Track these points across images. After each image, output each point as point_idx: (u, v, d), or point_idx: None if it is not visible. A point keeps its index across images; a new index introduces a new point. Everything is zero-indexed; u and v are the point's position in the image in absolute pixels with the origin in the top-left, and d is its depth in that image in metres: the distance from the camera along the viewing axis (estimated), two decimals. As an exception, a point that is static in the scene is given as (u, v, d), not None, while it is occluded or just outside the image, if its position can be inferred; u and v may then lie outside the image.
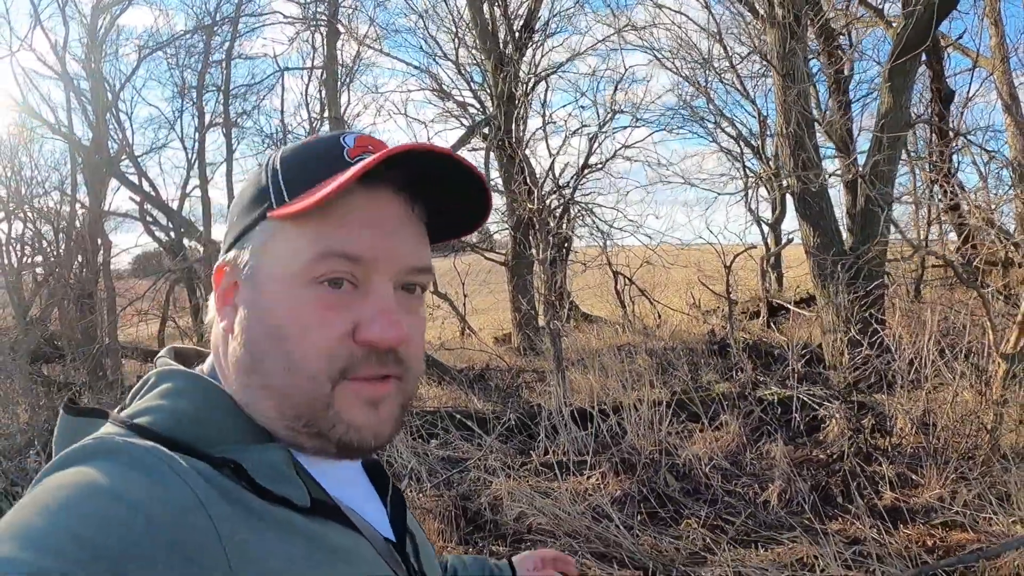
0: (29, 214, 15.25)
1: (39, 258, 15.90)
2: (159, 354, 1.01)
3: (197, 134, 17.14)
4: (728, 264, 11.11)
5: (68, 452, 0.79)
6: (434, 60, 16.36)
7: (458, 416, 7.64)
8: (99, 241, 13.22)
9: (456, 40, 15.78)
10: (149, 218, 16.35)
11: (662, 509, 5.47)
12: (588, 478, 5.98)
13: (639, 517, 5.33)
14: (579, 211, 14.45)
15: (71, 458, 0.78)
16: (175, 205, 17.50)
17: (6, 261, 15.51)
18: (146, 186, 15.50)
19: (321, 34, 10.66)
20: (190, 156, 18.20)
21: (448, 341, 14.79)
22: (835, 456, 6.15)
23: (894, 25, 8.81)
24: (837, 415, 6.79)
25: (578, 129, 14.53)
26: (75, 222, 14.40)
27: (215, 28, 15.39)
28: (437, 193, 0.96)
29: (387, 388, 0.92)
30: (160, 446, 0.81)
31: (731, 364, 9.34)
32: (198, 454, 0.83)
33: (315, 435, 0.89)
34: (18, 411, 8.13)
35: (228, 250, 0.96)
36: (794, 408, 7.07)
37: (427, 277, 0.97)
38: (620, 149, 13.79)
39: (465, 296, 17.50)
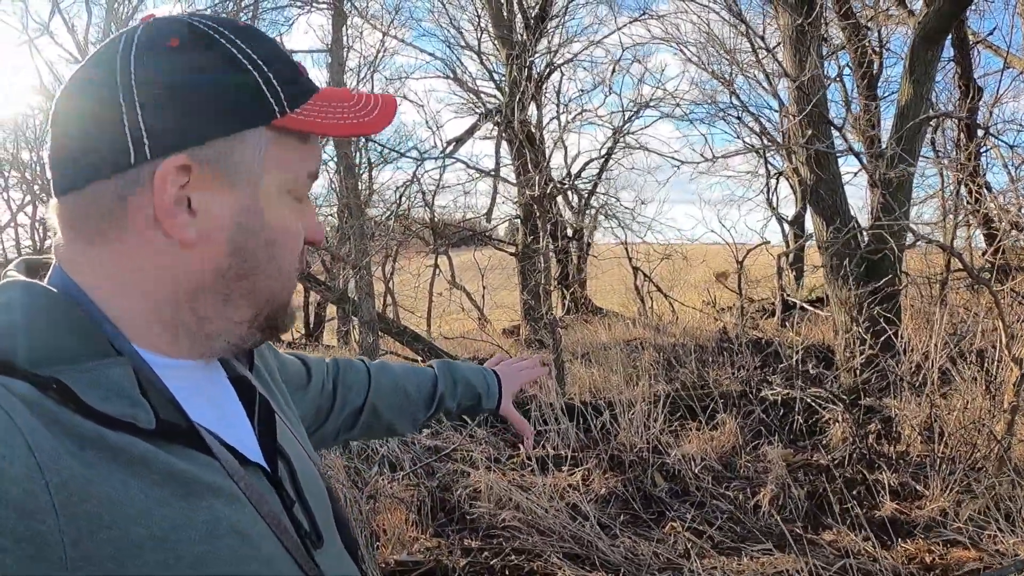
0: (54, 198, 15.07)
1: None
2: (7, 268, 0.92)
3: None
4: (740, 260, 10.80)
5: None
6: (452, 50, 16.19)
7: (451, 405, 7.39)
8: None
9: (479, 31, 15.66)
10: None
11: (646, 511, 5.20)
12: (573, 474, 5.70)
13: (621, 518, 5.06)
14: (600, 206, 14.22)
15: None
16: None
17: (29, 244, 15.53)
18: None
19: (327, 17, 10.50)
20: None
21: (460, 332, 14.60)
22: (836, 462, 5.84)
23: (915, 13, 8.45)
24: (840, 419, 6.47)
25: (579, 113, 14.14)
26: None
27: (239, 13, 15.25)
28: None
29: None
30: None
31: (736, 362, 9.04)
32: (20, 373, 0.74)
33: (268, 329, 0.95)
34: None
35: (185, 147, 0.83)
36: (796, 409, 6.75)
37: None
38: (632, 136, 13.39)
39: (484, 288, 17.35)
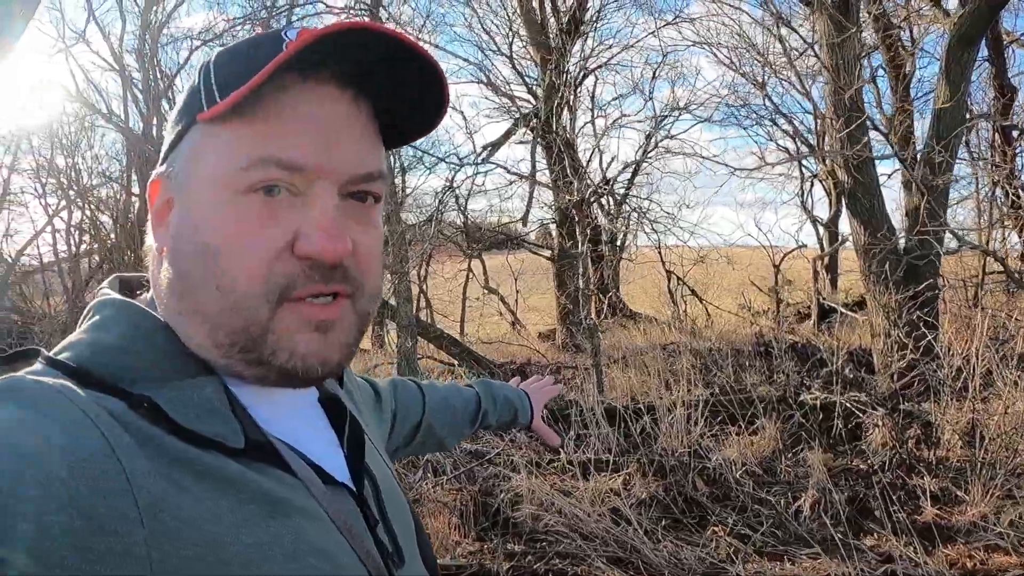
0: (88, 203, 15.38)
1: (96, 246, 16.04)
2: (102, 284, 0.92)
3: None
4: (777, 264, 10.80)
5: None
6: (485, 54, 16.23)
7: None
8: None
9: (510, 35, 15.70)
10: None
11: (687, 515, 5.25)
12: (614, 479, 5.75)
13: (663, 522, 5.11)
14: (632, 210, 14.22)
15: None
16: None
17: (65, 248, 15.69)
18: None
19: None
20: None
21: (496, 336, 14.68)
22: (876, 467, 5.86)
23: (951, 14, 8.40)
24: (880, 423, 6.48)
25: (618, 119, 14.15)
26: (129, 212, 14.49)
27: (271, 20, 15.39)
28: (389, 88, 0.85)
29: (336, 312, 0.82)
30: (70, 384, 0.72)
31: (775, 366, 9.05)
32: (114, 391, 0.74)
33: (254, 363, 0.80)
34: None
35: (162, 162, 0.86)
36: (836, 414, 6.77)
37: (380, 184, 0.86)
38: (665, 140, 13.37)
39: (518, 292, 17.38)
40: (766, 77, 14.34)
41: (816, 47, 8.79)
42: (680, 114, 12.72)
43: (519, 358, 11.58)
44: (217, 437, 0.76)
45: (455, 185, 10.39)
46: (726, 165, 8.55)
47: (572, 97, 12.49)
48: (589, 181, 9.78)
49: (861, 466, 5.96)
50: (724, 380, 8.49)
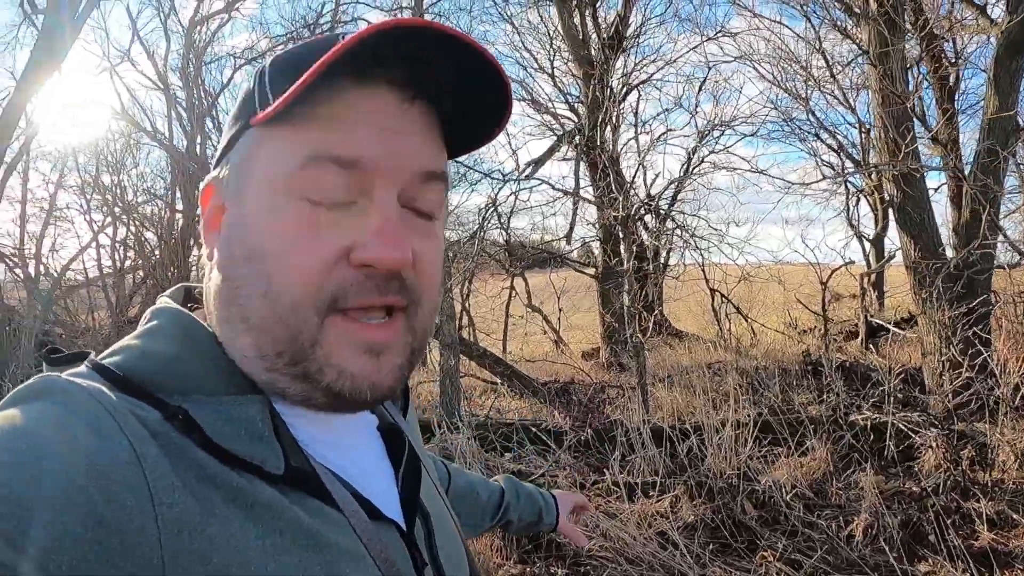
0: (133, 220, 15.59)
1: (140, 262, 16.24)
2: (164, 292, 0.90)
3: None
4: (824, 281, 10.64)
5: (9, 394, 0.69)
6: (528, 72, 16.23)
7: (534, 430, 7.41)
8: (192, 246, 13.41)
9: (551, 52, 15.71)
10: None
11: (736, 539, 5.13)
12: (660, 501, 5.66)
13: (711, 547, 5.00)
14: (676, 227, 14.09)
15: (8, 400, 0.68)
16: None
17: (109, 264, 15.88)
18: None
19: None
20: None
21: (538, 354, 14.61)
22: (929, 490, 5.71)
23: (998, 22, 8.24)
24: (934, 444, 6.33)
25: (663, 134, 14.05)
26: (173, 228, 14.65)
27: (312, 27, 15.59)
28: (449, 88, 0.80)
29: (391, 333, 0.79)
30: (105, 388, 0.70)
31: (823, 386, 8.90)
32: (153, 399, 0.72)
33: (299, 377, 0.76)
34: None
35: (215, 167, 0.85)
36: (888, 435, 6.62)
37: (440, 189, 0.83)
38: (712, 154, 13.24)
39: (560, 310, 17.32)
40: (809, 92, 14.26)
41: (863, 58, 8.67)
42: (724, 129, 12.61)
43: (563, 377, 11.48)
44: (255, 460, 0.73)
45: (498, 203, 10.35)
46: (782, 180, 8.38)
47: (615, 113, 12.43)
48: (634, 198, 9.69)
49: (914, 489, 5.81)
50: (772, 399, 8.36)
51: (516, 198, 10.89)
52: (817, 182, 13.11)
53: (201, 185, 0.86)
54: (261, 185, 0.77)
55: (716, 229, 12.70)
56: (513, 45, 16.84)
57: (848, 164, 14.58)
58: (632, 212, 8.30)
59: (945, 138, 10.75)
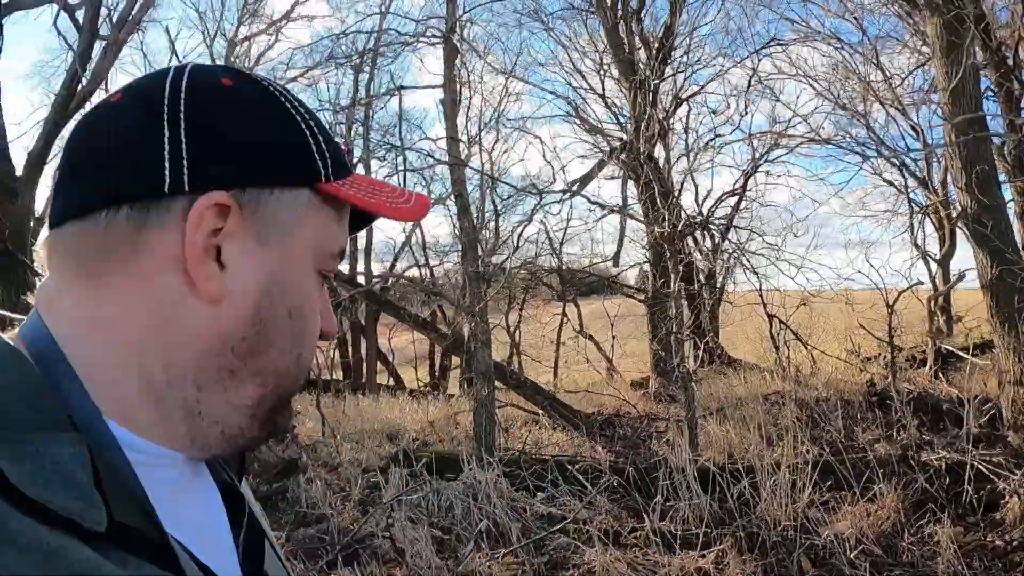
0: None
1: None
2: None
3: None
4: (891, 304, 9.88)
5: None
6: (577, 92, 15.76)
7: (570, 468, 6.80)
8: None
9: (601, 72, 15.28)
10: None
11: (792, 604, 4.47)
12: (705, 555, 5.00)
13: (763, 612, 4.34)
14: (733, 246, 13.46)
15: None
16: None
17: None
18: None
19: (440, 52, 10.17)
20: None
21: (590, 384, 14.01)
22: (1016, 543, 4.98)
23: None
24: (1021, 490, 5.58)
25: (712, 141, 13.35)
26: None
27: (362, 65, 15.48)
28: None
29: None
30: None
31: (892, 420, 8.16)
32: None
33: (270, 422, 0.81)
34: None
35: (228, 186, 0.73)
36: (966, 478, 5.88)
37: None
38: (766, 163, 12.52)
39: (614, 338, 16.80)
40: (868, 106, 13.61)
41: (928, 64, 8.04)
42: (777, 141, 11.94)
43: (607, 408, 10.82)
44: (69, 513, 0.60)
45: (547, 226, 9.92)
46: (840, 197, 7.68)
47: (663, 126, 11.81)
48: (681, 212, 9.10)
49: (997, 543, 5.09)
50: (833, 435, 7.68)
51: (568, 224, 10.52)
52: (898, 190, 12.29)
53: (203, 199, 0.72)
54: (307, 250, 0.79)
55: (771, 244, 11.82)
56: (561, 65, 16.32)
57: (911, 181, 13.93)
58: (679, 227, 7.66)
59: (1013, 148, 10.02)
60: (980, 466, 5.93)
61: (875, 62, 13.14)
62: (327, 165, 0.79)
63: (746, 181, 12.40)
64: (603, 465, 6.86)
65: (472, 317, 8.27)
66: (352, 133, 17.83)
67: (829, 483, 6.03)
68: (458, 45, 9.17)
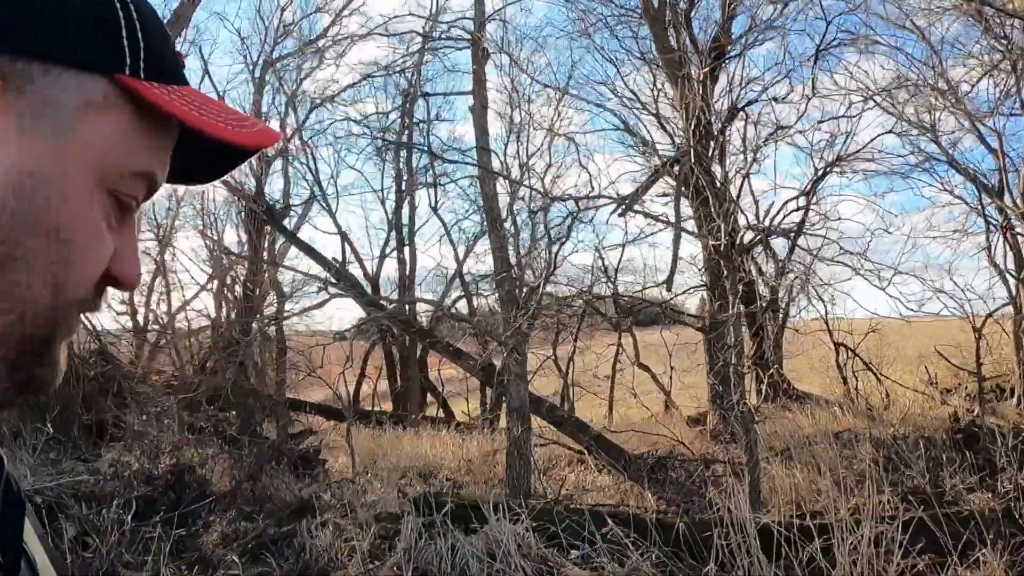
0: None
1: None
2: None
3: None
4: (979, 327, 8.84)
5: None
6: (630, 109, 14.97)
7: (611, 522, 5.88)
8: (259, 293, 12.84)
9: (654, 90, 14.52)
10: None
11: None
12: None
13: None
14: (799, 270, 12.45)
15: None
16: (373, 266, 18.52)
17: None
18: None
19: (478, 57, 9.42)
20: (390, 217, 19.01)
21: (647, 419, 13.09)
22: None
23: None
24: None
25: (773, 134, 12.35)
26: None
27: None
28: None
29: None
30: None
31: (985, 462, 7.12)
32: None
33: (21, 373, 0.64)
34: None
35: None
36: (1089, 540, 4.85)
37: None
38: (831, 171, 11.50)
39: (672, 368, 15.86)
40: (936, 118, 12.71)
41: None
42: (841, 157, 10.96)
43: (661, 447, 9.81)
44: None
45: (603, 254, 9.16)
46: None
47: (719, 134, 10.89)
48: (740, 223, 8.22)
49: None
50: (917, 480, 6.69)
51: (624, 251, 9.79)
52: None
53: None
54: (90, 156, 0.65)
55: (854, 252, 10.55)
56: (615, 91, 15.63)
57: (984, 197, 12.89)
58: (737, 240, 6.75)
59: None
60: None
61: (940, 72, 12.25)
62: (138, 58, 0.66)
63: (813, 187, 11.35)
64: (649, 518, 5.93)
65: (505, 346, 7.41)
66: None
67: (920, 545, 5.03)
68: (487, 47, 8.40)
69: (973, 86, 12.99)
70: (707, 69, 10.91)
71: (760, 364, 12.30)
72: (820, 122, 12.39)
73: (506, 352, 7.41)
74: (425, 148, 14.42)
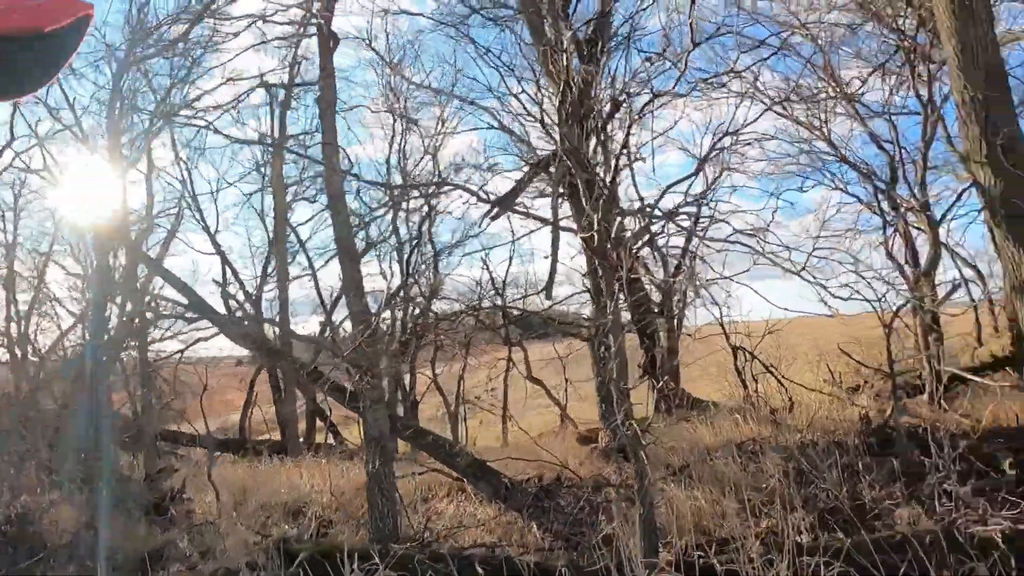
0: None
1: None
2: None
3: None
4: (888, 324, 8.14)
5: None
6: (507, 110, 14.11)
7: (482, 569, 4.89)
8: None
9: (539, 95, 13.66)
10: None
11: None
12: None
13: None
14: (688, 273, 11.71)
15: None
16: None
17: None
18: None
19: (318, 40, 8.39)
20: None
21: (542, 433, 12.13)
22: None
23: None
24: None
25: (649, 104, 11.53)
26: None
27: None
28: None
29: None
30: None
31: (907, 468, 6.32)
32: None
33: None
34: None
35: None
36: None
37: None
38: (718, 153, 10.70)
39: (567, 381, 14.92)
40: (825, 118, 12.32)
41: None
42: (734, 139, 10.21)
43: (549, 471, 8.73)
44: None
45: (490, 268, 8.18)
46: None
47: (599, 131, 9.98)
48: (619, 210, 7.37)
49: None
50: (832, 494, 5.87)
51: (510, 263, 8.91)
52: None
53: None
54: None
55: (755, 230, 9.46)
56: (491, 90, 14.76)
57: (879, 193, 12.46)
58: (614, 231, 5.83)
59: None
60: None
61: (830, 72, 11.86)
62: None
63: (702, 166, 10.52)
64: (528, 562, 4.94)
65: (359, 370, 6.33)
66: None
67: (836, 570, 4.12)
68: (336, 32, 7.36)
69: (864, 82, 12.61)
70: (584, 62, 10.15)
71: (652, 373, 11.41)
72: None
73: (358, 375, 6.33)
74: (270, 143, 13.27)
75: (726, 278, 10.28)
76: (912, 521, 4.94)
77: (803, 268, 8.31)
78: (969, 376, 9.66)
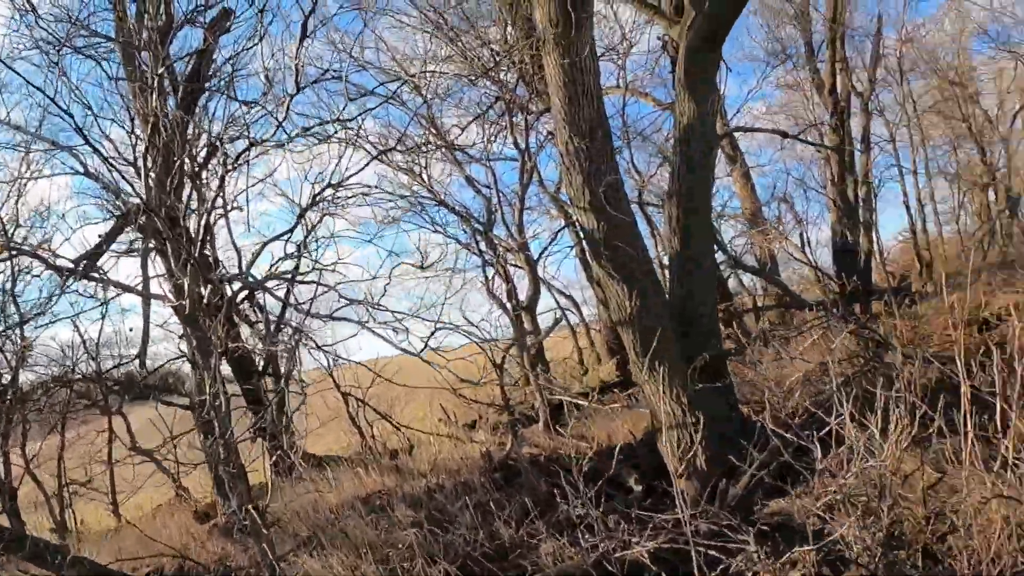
0: None
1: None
2: None
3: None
4: (500, 362, 8.18)
5: None
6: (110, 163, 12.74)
7: None
8: None
9: (132, 137, 12.47)
10: None
11: None
12: None
13: None
14: (294, 332, 11.14)
15: None
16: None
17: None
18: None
19: None
20: None
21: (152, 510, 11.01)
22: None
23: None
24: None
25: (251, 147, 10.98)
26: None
27: None
28: None
29: None
30: None
31: (539, 499, 6.32)
32: None
33: None
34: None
35: None
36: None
37: None
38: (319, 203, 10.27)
39: (175, 448, 13.71)
40: (426, 163, 12.58)
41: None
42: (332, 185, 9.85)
43: (167, 563, 7.79)
44: None
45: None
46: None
47: (195, 179, 9.15)
48: (213, 271, 6.78)
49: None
50: (469, 538, 5.70)
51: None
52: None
53: None
54: None
55: (363, 303, 9.26)
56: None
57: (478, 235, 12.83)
58: (207, 297, 5.27)
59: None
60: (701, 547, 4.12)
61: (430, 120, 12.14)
62: None
63: (301, 218, 9.95)
64: None
65: None
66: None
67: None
68: None
69: (463, 130, 12.98)
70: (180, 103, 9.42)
71: (263, 435, 10.73)
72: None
73: None
74: None
75: (331, 345, 9.92)
76: (558, 555, 4.85)
77: (407, 332, 8.31)
78: (580, 401, 10.05)
